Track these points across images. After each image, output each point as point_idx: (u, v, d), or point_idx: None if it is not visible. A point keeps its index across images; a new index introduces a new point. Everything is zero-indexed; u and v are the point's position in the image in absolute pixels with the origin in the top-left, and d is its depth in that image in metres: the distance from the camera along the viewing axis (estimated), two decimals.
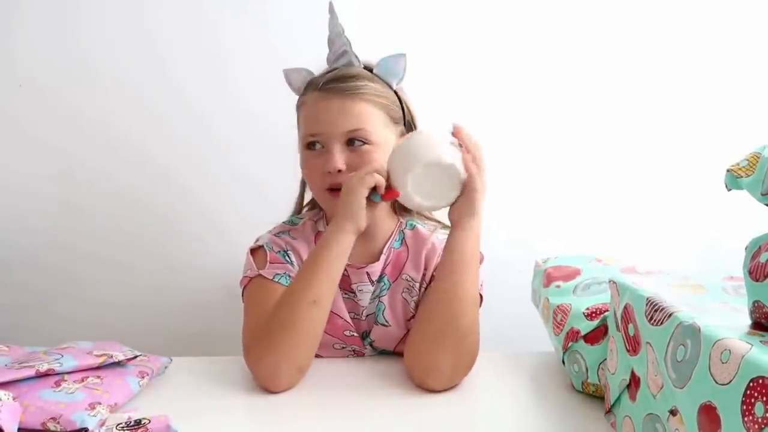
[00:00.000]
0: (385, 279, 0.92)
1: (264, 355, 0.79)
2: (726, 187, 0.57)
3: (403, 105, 0.91)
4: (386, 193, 0.79)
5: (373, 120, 0.86)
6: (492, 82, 1.31)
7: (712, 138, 1.33)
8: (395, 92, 0.90)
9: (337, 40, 0.90)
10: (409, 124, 0.92)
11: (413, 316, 0.91)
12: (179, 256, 1.34)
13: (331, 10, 0.91)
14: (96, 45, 1.27)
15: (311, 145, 0.87)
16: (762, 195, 0.51)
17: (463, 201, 0.79)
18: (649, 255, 1.24)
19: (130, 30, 1.27)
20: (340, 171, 0.84)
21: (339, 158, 0.84)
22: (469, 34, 1.30)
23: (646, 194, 1.37)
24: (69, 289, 1.34)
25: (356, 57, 0.89)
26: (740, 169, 0.55)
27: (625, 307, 0.64)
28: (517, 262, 1.11)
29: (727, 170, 0.56)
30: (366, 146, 0.85)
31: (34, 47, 1.27)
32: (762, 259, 0.50)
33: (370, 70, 0.89)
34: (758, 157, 0.53)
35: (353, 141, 0.85)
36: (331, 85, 0.86)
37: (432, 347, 0.79)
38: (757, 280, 0.51)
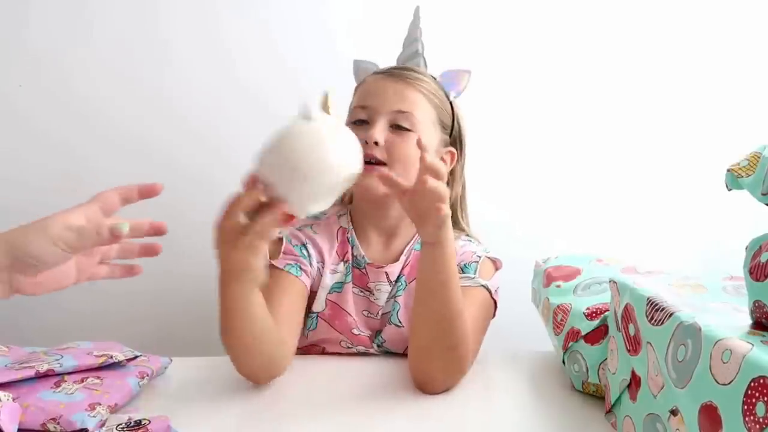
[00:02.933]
0: (403, 279, 0.92)
1: (229, 351, 0.77)
2: (726, 187, 0.57)
3: (455, 118, 0.93)
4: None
5: (422, 110, 0.87)
6: (495, 83, 1.31)
7: (712, 138, 1.33)
8: (450, 104, 0.92)
9: (413, 43, 0.93)
10: (455, 141, 0.93)
11: None
12: (181, 254, 1.34)
13: (416, 15, 0.94)
14: (104, 41, 1.28)
15: (358, 121, 0.88)
16: (762, 195, 0.51)
17: (427, 216, 0.71)
18: (649, 255, 1.24)
19: (138, 26, 1.28)
20: (377, 143, 0.84)
21: (380, 131, 0.85)
22: (473, 36, 1.30)
23: (647, 194, 1.37)
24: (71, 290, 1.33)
25: (425, 61, 0.93)
26: (740, 168, 0.55)
27: (626, 307, 0.64)
28: (518, 261, 1.11)
29: (728, 170, 0.56)
30: (411, 133, 0.85)
31: (43, 42, 1.27)
32: (762, 258, 0.50)
33: (434, 79, 0.92)
34: (758, 157, 0.53)
35: (399, 126, 0.85)
36: (392, 71, 0.90)
37: (423, 360, 0.79)
38: (757, 280, 0.51)
